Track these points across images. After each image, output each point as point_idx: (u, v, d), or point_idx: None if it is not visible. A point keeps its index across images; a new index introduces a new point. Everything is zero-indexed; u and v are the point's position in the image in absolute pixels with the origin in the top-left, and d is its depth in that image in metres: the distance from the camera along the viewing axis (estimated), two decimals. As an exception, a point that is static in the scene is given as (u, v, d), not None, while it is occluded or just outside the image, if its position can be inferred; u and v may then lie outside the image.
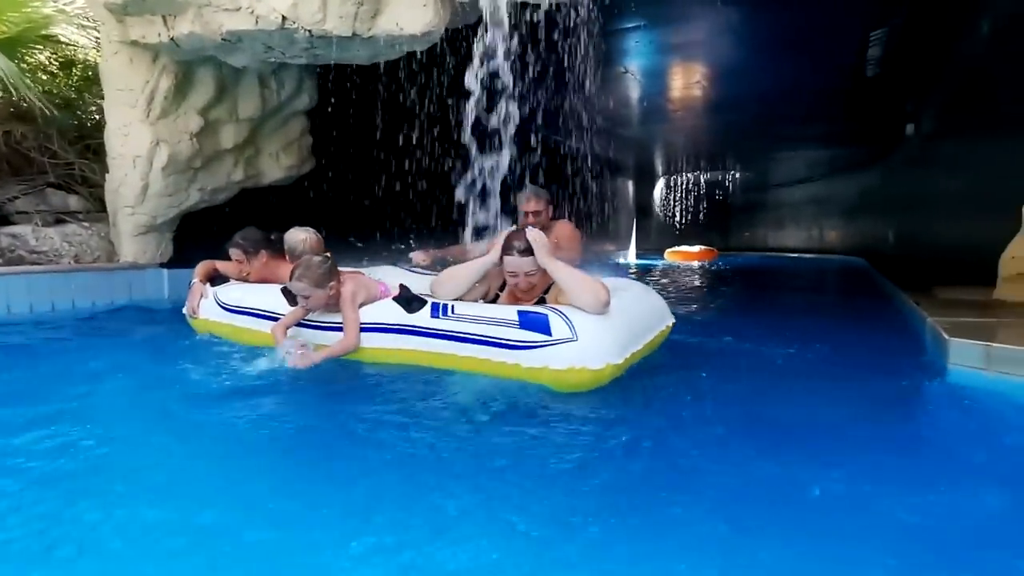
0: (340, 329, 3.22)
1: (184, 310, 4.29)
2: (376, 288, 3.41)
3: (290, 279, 3.20)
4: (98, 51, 6.72)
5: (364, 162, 8.48)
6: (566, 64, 6.54)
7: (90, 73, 6.90)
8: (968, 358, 3.08)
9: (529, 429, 2.25)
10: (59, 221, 6.56)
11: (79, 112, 6.98)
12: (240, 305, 3.89)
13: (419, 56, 5.70)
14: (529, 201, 4.31)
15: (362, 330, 3.16)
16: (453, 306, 3.01)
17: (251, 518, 1.57)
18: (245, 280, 4.18)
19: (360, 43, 5.02)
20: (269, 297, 3.75)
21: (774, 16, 7.32)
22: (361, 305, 3.24)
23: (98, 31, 6.70)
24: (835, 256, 18.03)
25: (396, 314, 3.12)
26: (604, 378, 2.71)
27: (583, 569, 1.38)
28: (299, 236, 3.98)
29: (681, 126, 14.50)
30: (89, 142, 6.98)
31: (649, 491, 1.78)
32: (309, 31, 4.73)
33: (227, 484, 1.80)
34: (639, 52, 9.02)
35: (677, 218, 25.09)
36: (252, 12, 4.70)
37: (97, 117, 7.09)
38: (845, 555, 1.44)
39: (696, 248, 18.46)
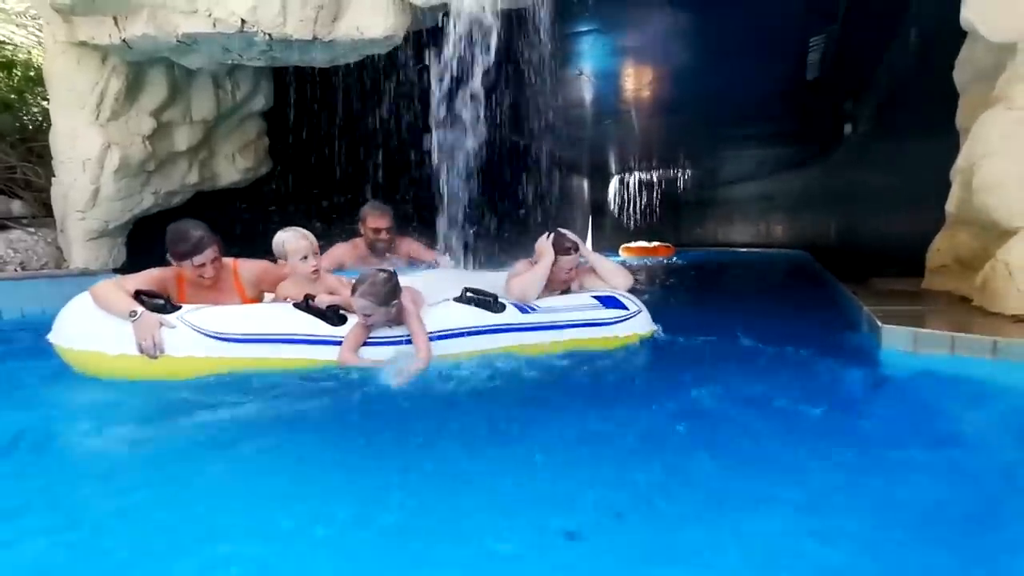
0: (402, 342, 3.10)
1: (66, 343, 3.07)
2: (421, 295, 3.34)
3: (353, 294, 2.99)
4: (42, 51, 6.51)
5: (323, 163, 8.44)
6: (523, 65, 6.69)
7: (32, 73, 6.68)
8: (899, 342, 3.37)
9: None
10: (2, 227, 6.33)
11: (21, 114, 6.74)
12: (252, 332, 3.04)
13: (377, 59, 5.75)
14: (377, 219, 4.30)
15: (446, 337, 3.17)
16: (535, 305, 3.53)
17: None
18: (205, 288, 3.29)
19: (320, 46, 5.05)
20: (287, 317, 3.12)
21: (720, 21, 7.64)
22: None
23: (41, 30, 6.50)
24: (781, 250, 18.76)
25: (482, 316, 3.32)
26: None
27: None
28: (283, 237, 3.37)
29: (633, 126, 14.85)
30: (32, 145, 6.76)
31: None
32: (269, 34, 4.74)
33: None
34: (592, 55, 9.24)
35: (631, 215, 25.62)
36: (210, 15, 4.67)
37: (40, 119, 6.87)
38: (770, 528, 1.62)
39: (652, 244, 18.91)
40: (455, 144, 4.52)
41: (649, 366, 3.44)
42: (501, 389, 2.86)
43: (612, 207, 25.88)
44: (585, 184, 24.22)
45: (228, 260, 3.43)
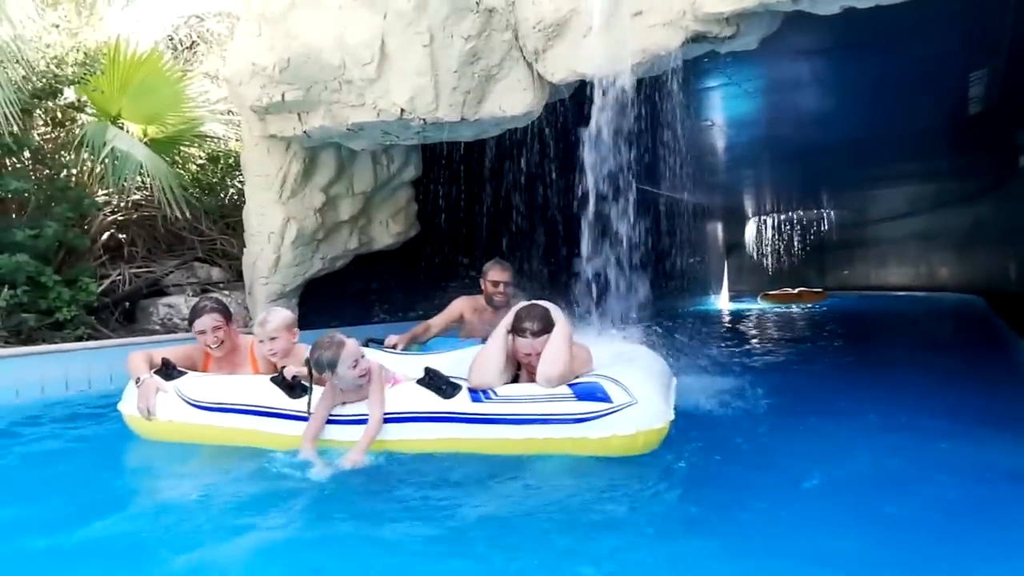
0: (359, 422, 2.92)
1: (126, 409, 3.39)
2: (388, 373, 3.14)
3: (312, 369, 2.94)
4: (239, 143, 7.71)
5: (465, 225, 9.06)
6: (656, 122, 6.86)
7: (231, 160, 7.90)
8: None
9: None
10: (204, 291, 7.45)
11: (221, 196, 7.97)
12: (221, 402, 3.17)
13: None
14: (497, 273, 4.26)
15: (391, 420, 2.91)
16: (495, 389, 2.88)
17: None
18: (224, 360, 3.52)
19: (467, 125, 5.56)
20: (257, 389, 3.17)
21: (862, 65, 7.35)
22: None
23: (239, 126, 7.71)
24: (948, 294, 16.92)
25: (429, 401, 2.88)
26: (665, 435, 2.78)
27: None
28: (258, 319, 3.46)
29: (769, 170, 14.39)
30: (228, 220, 7.94)
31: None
32: (423, 119, 5.32)
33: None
34: (725, 105, 9.22)
35: (769, 259, 24.42)
36: (375, 107, 5.34)
37: (235, 198, 8.06)
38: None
39: (796, 290, 17.85)
40: (594, 200, 4.75)
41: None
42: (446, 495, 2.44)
43: (749, 250, 24.86)
44: (720, 228, 23.55)
45: (247, 337, 3.66)
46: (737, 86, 8.25)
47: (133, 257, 7.29)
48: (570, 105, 5.88)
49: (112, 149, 5.99)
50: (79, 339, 5.93)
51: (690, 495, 2.49)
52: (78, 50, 6.52)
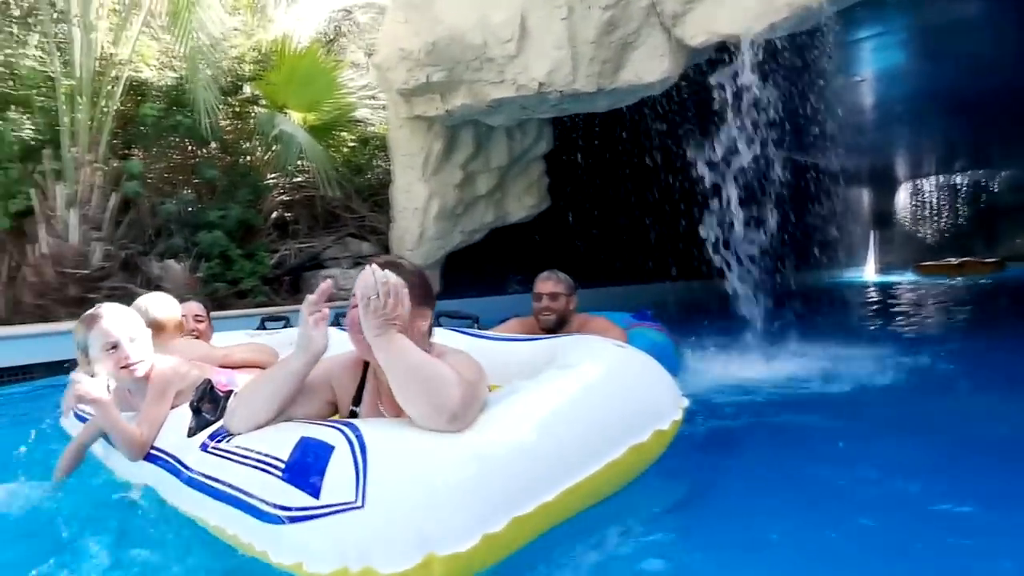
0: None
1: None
2: (204, 376, 2.06)
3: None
4: (384, 126, 8.29)
5: (595, 198, 9.14)
6: (801, 81, 6.53)
7: (378, 143, 8.52)
8: None
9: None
10: (356, 264, 8.15)
11: (368, 176, 8.63)
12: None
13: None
14: (543, 283, 3.18)
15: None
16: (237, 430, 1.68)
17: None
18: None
19: (603, 95, 5.63)
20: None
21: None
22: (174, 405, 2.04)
23: (382, 110, 8.29)
24: None
25: (171, 434, 1.91)
26: None
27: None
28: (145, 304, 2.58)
29: (926, 128, 13.05)
30: (376, 198, 8.59)
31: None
32: (561, 91, 5.46)
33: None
34: (878, 58, 8.51)
35: (926, 226, 22.16)
36: (514, 83, 5.57)
37: (381, 177, 8.69)
38: None
39: (957, 260, 16.11)
40: (736, 171, 4.66)
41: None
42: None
43: (901, 218, 22.70)
44: (866, 195, 21.70)
45: None
46: (893, 35, 7.58)
47: (297, 234, 8.13)
48: (708, 70, 5.75)
49: (279, 134, 6.71)
50: (258, 306, 6.77)
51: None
52: (254, 49, 7.33)
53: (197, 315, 3.04)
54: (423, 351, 1.49)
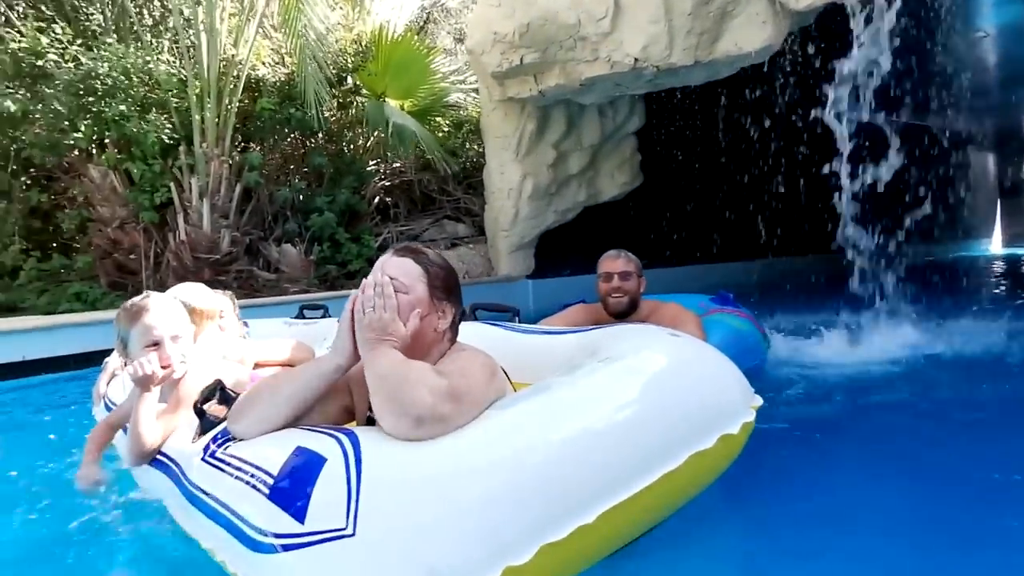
0: None
1: None
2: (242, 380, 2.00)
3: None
4: (475, 109, 8.49)
5: (691, 173, 8.97)
6: (919, 40, 6.10)
7: (471, 127, 8.74)
8: None
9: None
10: (453, 245, 8.46)
11: (461, 159, 8.89)
12: None
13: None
14: (616, 260, 2.85)
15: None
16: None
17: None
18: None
19: (700, 68, 5.53)
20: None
21: None
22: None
23: (473, 94, 8.49)
24: None
25: (183, 434, 1.76)
26: None
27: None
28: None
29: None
30: (469, 181, 8.84)
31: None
32: (656, 66, 5.41)
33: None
34: (1000, 14, 7.77)
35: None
36: (608, 60, 5.56)
37: (473, 161, 8.92)
38: None
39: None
40: (850, 137, 4.46)
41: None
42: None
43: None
44: (990, 161, 19.83)
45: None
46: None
47: (397, 217, 8.52)
48: (816, 34, 5.51)
49: (392, 124, 7.07)
50: (366, 286, 7.20)
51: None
52: (355, 41, 7.71)
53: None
54: (403, 357, 1.28)
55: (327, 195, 7.23)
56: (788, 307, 5.09)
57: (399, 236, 8.24)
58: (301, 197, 7.17)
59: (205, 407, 1.65)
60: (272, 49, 7.52)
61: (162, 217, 6.19)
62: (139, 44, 6.40)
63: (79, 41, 6.19)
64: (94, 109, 5.73)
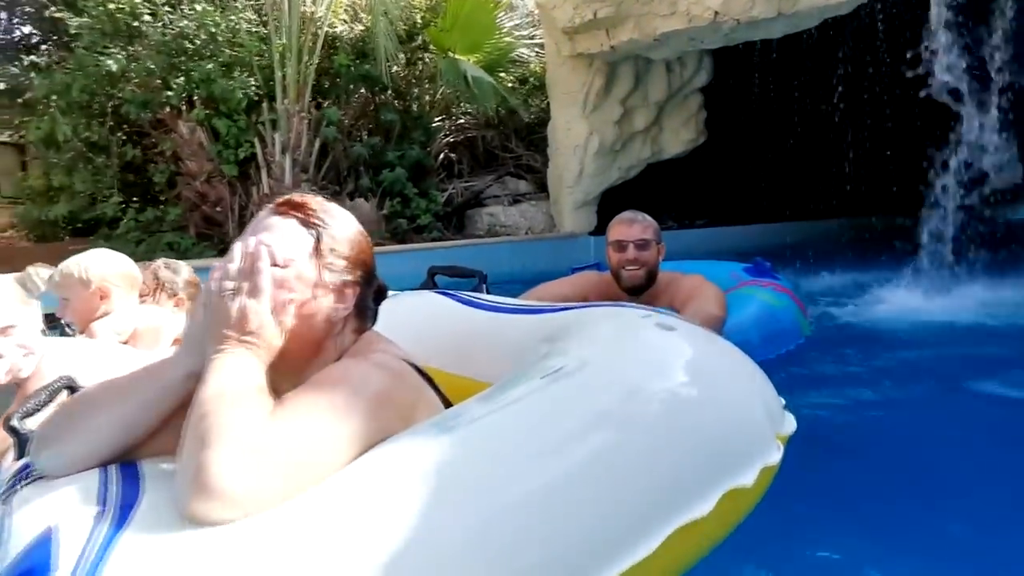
0: None
1: None
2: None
3: None
4: (540, 65, 8.46)
5: (759, 130, 8.79)
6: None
7: (535, 82, 8.74)
8: None
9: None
10: (515, 201, 8.57)
11: (523, 116, 8.92)
12: None
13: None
14: (632, 225, 2.40)
15: None
16: None
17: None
18: None
19: (782, 20, 5.41)
20: None
21: None
22: None
23: (542, 48, 8.45)
24: None
25: None
26: None
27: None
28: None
29: None
30: (532, 137, 8.88)
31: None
32: (737, 19, 5.33)
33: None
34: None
35: None
36: (687, 13, 5.50)
37: (535, 117, 8.94)
38: None
39: None
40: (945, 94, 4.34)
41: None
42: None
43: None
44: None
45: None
46: None
47: (461, 174, 8.67)
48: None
49: (471, 78, 7.15)
50: (434, 240, 7.41)
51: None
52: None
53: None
54: (245, 382, 0.85)
55: (397, 151, 7.41)
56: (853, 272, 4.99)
57: (463, 192, 8.41)
58: (372, 152, 7.37)
59: (26, 421, 1.10)
60: (348, 5, 7.63)
61: (244, 171, 6.49)
62: (223, 3, 6.60)
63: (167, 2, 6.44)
64: (183, 68, 5.99)
